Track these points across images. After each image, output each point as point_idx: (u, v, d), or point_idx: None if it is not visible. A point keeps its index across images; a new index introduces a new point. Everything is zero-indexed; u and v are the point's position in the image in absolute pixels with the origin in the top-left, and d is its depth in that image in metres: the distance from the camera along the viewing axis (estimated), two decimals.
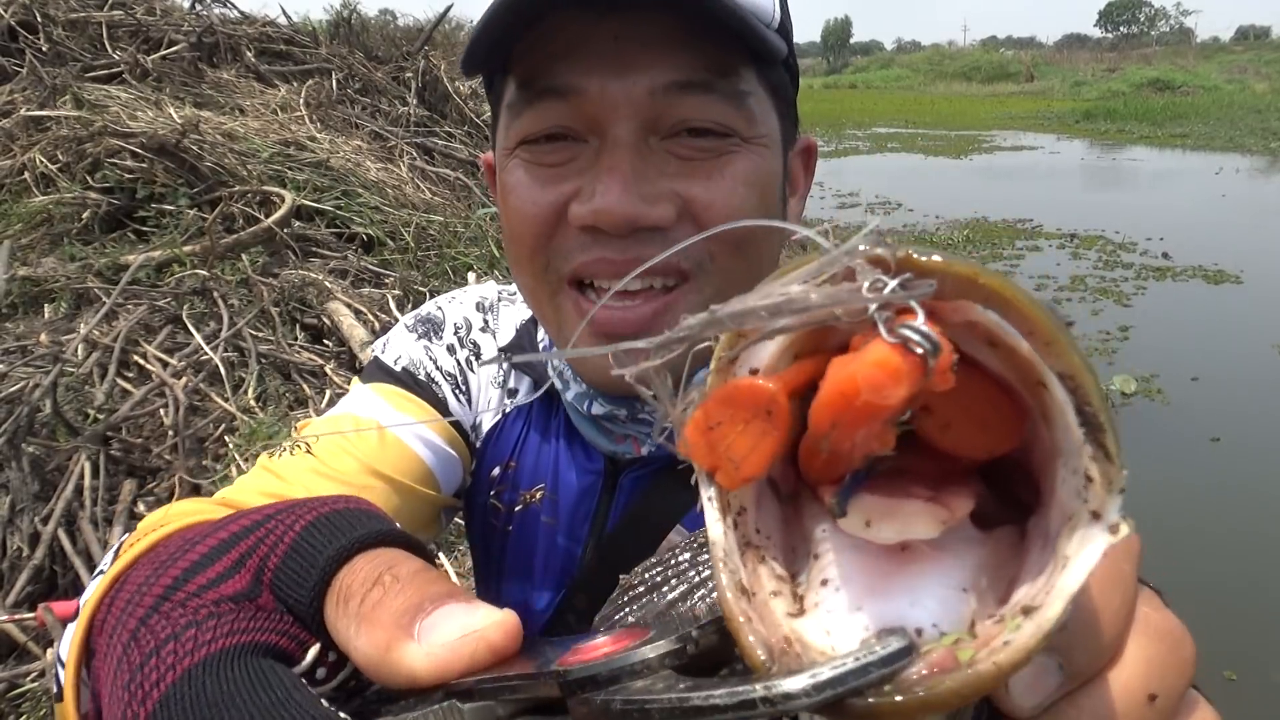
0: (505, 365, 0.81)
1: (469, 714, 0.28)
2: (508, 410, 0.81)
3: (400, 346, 0.82)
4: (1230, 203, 11.64)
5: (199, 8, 5.64)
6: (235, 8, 5.85)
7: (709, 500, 0.25)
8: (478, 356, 0.82)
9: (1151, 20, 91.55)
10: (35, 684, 1.94)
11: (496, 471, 0.81)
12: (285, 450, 0.69)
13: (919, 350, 0.20)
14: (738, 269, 0.62)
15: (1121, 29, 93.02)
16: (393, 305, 3.29)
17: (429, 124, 5.63)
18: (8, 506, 2.15)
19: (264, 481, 0.66)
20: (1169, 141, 19.76)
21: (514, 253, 0.65)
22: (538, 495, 0.78)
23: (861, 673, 0.20)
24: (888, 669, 0.21)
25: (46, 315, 2.98)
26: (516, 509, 0.79)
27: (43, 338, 2.72)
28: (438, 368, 0.81)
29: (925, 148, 18.54)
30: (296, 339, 3.07)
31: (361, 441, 0.70)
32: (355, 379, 0.84)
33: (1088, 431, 0.22)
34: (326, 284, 3.26)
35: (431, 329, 0.84)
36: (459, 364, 0.82)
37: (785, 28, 0.63)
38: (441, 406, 0.78)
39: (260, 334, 2.97)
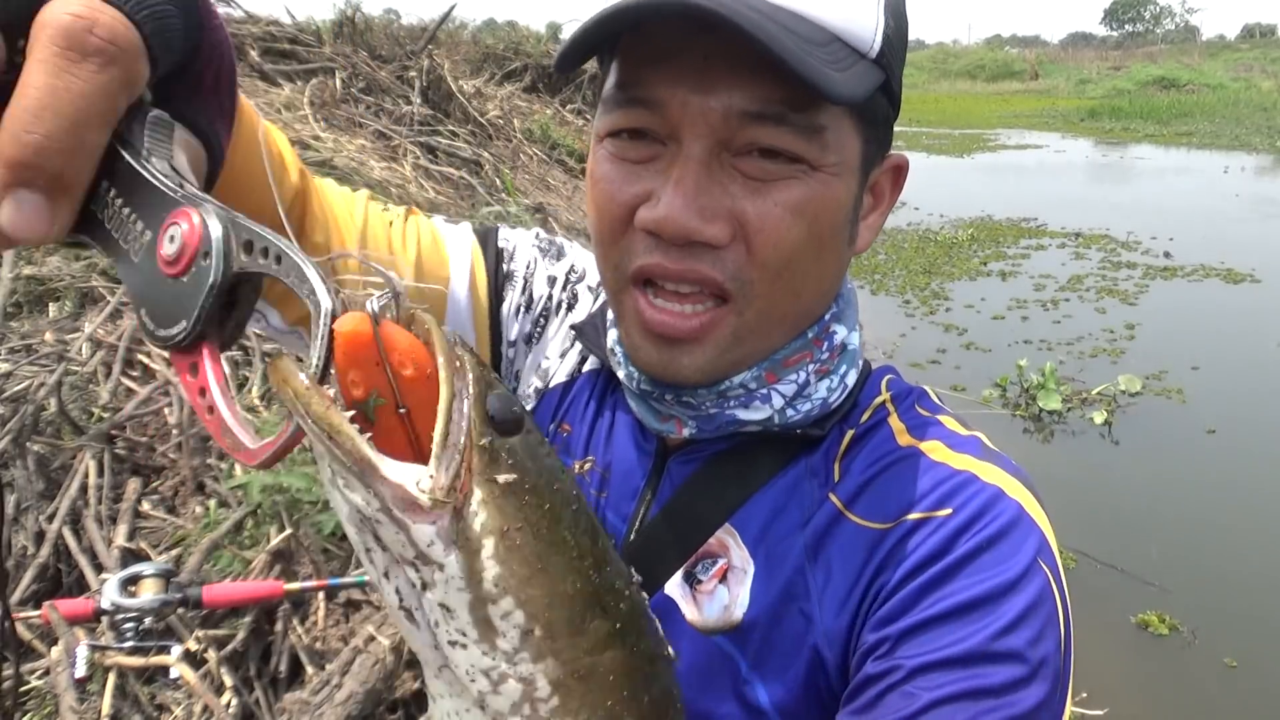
0: (572, 337, 0.84)
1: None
2: (572, 371, 0.84)
3: (518, 238, 0.87)
4: (1239, 201, 11.59)
5: None
6: (239, 7, 5.85)
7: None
8: (570, 308, 0.86)
9: (1157, 18, 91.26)
10: (41, 681, 1.94)
11: (550, 428, 0.82)
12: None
13: (373, 310, 0.35)
14: (778, 295, 0.63)
15: (1126, 27, 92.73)
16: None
17: (433, 123, 5.63)
18: (13, 505, 2.16)
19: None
20: (1174, 140, 19.70)
21: (595, 239, 0.68)
22: (589, 465, 0.79)
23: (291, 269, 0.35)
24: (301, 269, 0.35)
25: (51, 314, 2.99)
26: (575, 468, 0.80)
27: (48, 336, 2.73)
28: (531, 276, 0.85)
29: (929, 146, 18.51)
30: None
31: (422, 238, 0.82)
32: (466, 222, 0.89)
33: (444, 424, 0.35)
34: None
35: (554, 251, 0.88)
36: (549, 297, 0.86)
37: (888, 52, 0.63)
38: (496, 298, 0.84)
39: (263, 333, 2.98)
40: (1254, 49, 46.33)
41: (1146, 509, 4.06)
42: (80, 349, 2.66)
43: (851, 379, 0.71)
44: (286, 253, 0.34)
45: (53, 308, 3.03)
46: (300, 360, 0.34)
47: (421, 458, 0.34)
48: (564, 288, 0.86)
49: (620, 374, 0.73)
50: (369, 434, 0.33)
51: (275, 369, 0.33)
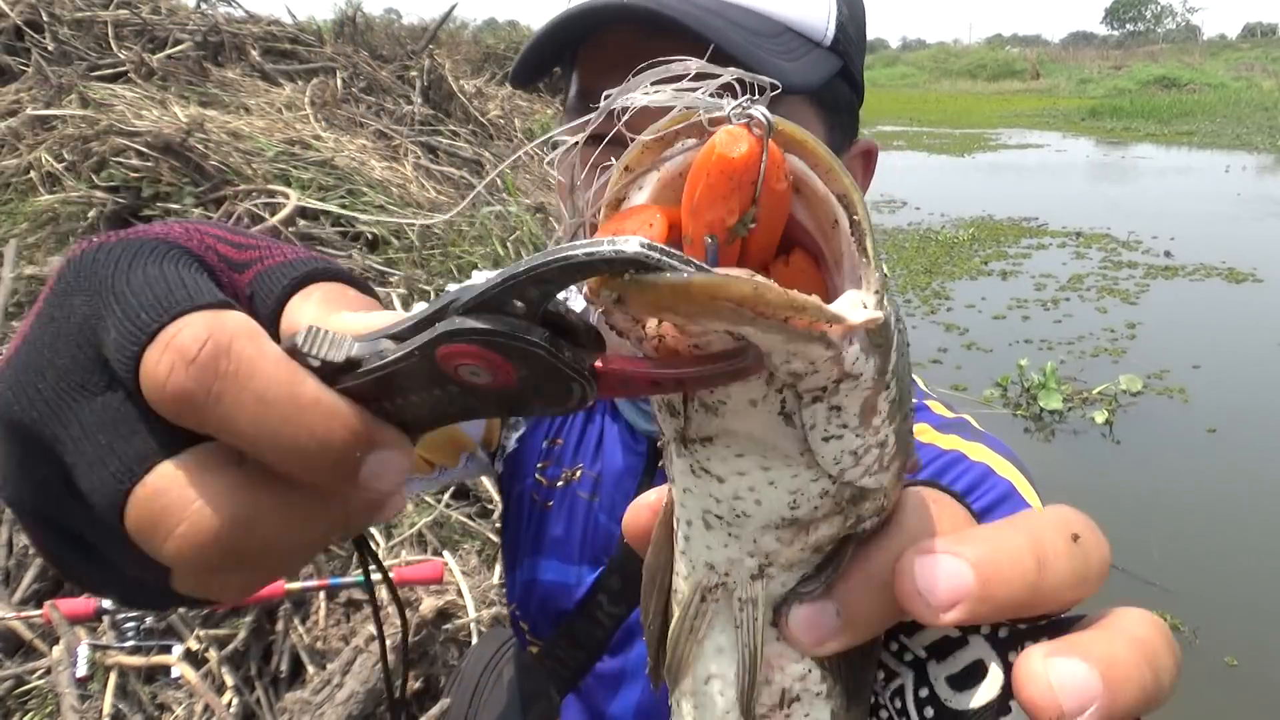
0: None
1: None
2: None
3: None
4: (1241, 201, 11.58)
5: (204, 7, 5.65)
6: (240, 7, 5.86)
7: None
8: None
9: (1158, 17, 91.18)
10: (42, 681, 1.94)
11: (544, 445, 0.82)
12: None
13: (757, 130, 0.28)
14: None
15: (1128, 26, 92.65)
16: (397, 304, 3.29)
17: (434, 123, 5.63)
18: None
19: None
20: (1175, 139, 19.69)
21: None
22: (578, 473, 0.80)
23: (678, 257, 0.26)
24: (699, 263, 0.26)
25: None
26: (559, 484, 0.81)
27: None
28: None
29: (930, 146, 18.49)
30: None
31: None
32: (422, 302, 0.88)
33: (856, 238, 0.29)
34: None
35: None
36: None
37: (843, 39, 0.63)
38: None
39: None
40: (1255, 48, 46.28)
41: (1148, 508, 4.05)
42: None
43: None
44: (530, 266, 0.28)
45: None
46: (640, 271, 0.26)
47: (765, 271, 0.30)
48: None
49: None
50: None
51: (660, 289, 0.25)
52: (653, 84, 0.30)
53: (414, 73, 5.91)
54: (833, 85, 0.64)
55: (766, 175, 0.28)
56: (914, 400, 0.71)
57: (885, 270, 0.30)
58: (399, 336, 0.30)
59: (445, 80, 5.94)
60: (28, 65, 4.37)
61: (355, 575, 2.05)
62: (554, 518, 0.81)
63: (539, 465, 0.83)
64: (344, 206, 3.92)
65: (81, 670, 1.78)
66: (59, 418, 0.30)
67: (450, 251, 3.98)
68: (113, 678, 1.91)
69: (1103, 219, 10.36)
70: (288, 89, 5.09)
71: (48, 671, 1.92)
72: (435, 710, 1.80)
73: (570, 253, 0.26)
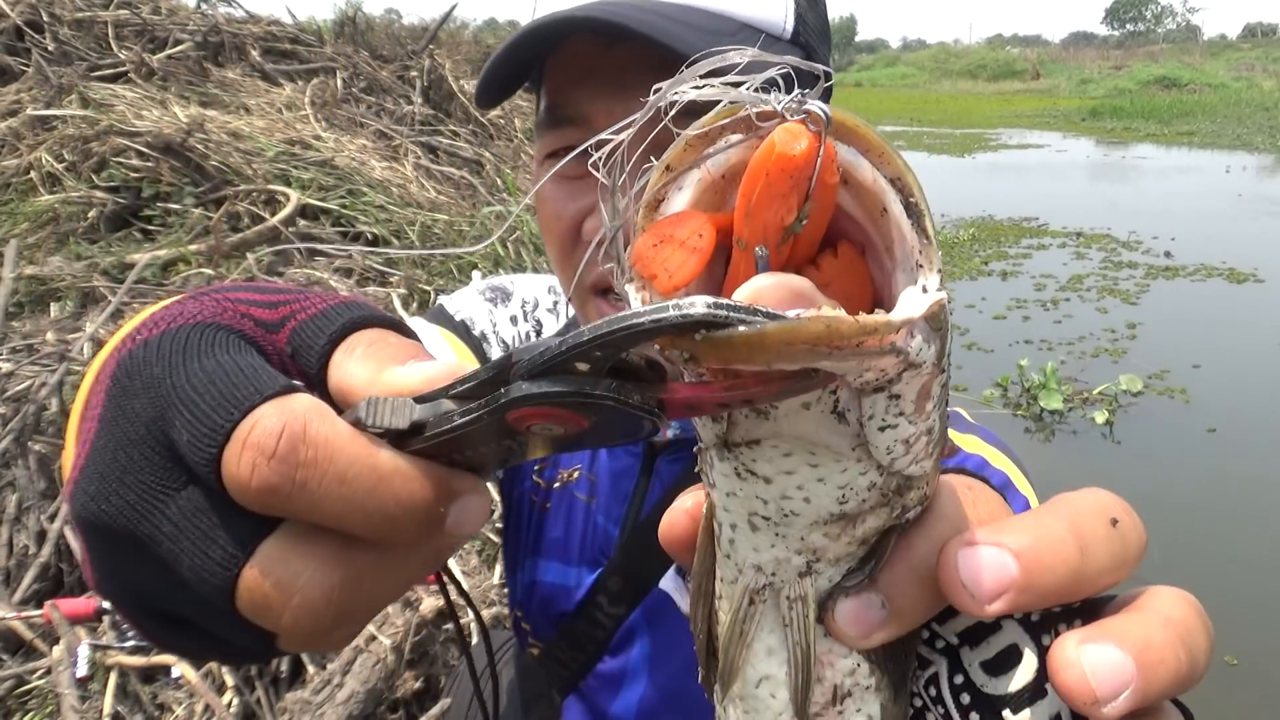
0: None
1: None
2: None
3: (466, 301, 0.89)
4: (1242, 201, 11.59)
5: (204, 7, 5.66)
6: (241, 7, 5.86)
7: (636, 293, 0.30)
8: (538, 334, 0.88)
9: (1158, 18, 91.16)
10: (42, 681, 1.94)
11: None
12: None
13: (813, 125, 0.27)
14: None
15: (1128, 26, 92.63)
16: (397, 304, 3.29)
17: (434, 123, 5.63)
18: (14, 504, 2.16)
19: None
20: (1176, 139, 19.69)
21: (551, 255, 0.70)
22: (575, 474, 0.80)
23: (745, 310, 0.25)
24: (767, 310, 0.25)
25: (53, 314, 2.99)
26: (555, 486, 0.81)
27: (49, 336, 2.73)
28: (494, 330, 0.87)
29: (931, 146, 18.49)
30: None
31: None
32: (419, 316, 0.90)
33: (914, 220, 0.29)
34: (331, 283, 3.26)
35: (500, 295, 0.90)
36: (518, 336, 0.87)
37: (803, 31, 0.64)
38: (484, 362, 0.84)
39: None
40: (1255, 48, 46.27)
41: (1148, 509, 4.02)
42: (82, 349, 2.66)
43: None
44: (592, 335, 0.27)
45: (54, 307, 3.04)
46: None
47: (814, 267, 0.30)
48: (525, 320, 0.89)
49: None
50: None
51: (735, 345, 0.25)
52: (701, 77, 0.29)
53: (414, 73, 5.92)
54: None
55: (820, 170, 0.28)
56: None
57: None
58: (462, 396, 0.31)
59: (445, 80, 5.94)
60: (28, 65, 4.37)
61: None
62: (552, 519, 0.81)
63: (536, 468, 0.83)
64: (344, 207, 3.92)
65: (82, 670, 1.78)
66: (149, 519, 0.31)
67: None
68: (113, 678, 1.91)
69: (1103, 219, 10.35)
70: (288, 89, 5.09)
71: (48, 671, 1.92)
72: (435, 710, 1.80)
73: (636, 320, 0.26)
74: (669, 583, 0.71)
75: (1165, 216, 10.45)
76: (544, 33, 0.59)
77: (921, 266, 0.29)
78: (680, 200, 0.30)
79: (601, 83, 0.61)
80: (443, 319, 0.87)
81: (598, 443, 0.32)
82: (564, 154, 0.64)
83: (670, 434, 0.71)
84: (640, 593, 0.72)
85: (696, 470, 0.34)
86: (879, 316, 0.26)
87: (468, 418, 0.30)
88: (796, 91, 0.28)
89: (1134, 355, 5.98)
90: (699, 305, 0.25)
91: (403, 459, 0.31)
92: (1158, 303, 7.22)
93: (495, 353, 0.86)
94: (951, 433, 0.68)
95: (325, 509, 0.29)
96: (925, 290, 0.28)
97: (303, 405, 0.30)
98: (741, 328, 0.25)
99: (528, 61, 0.63)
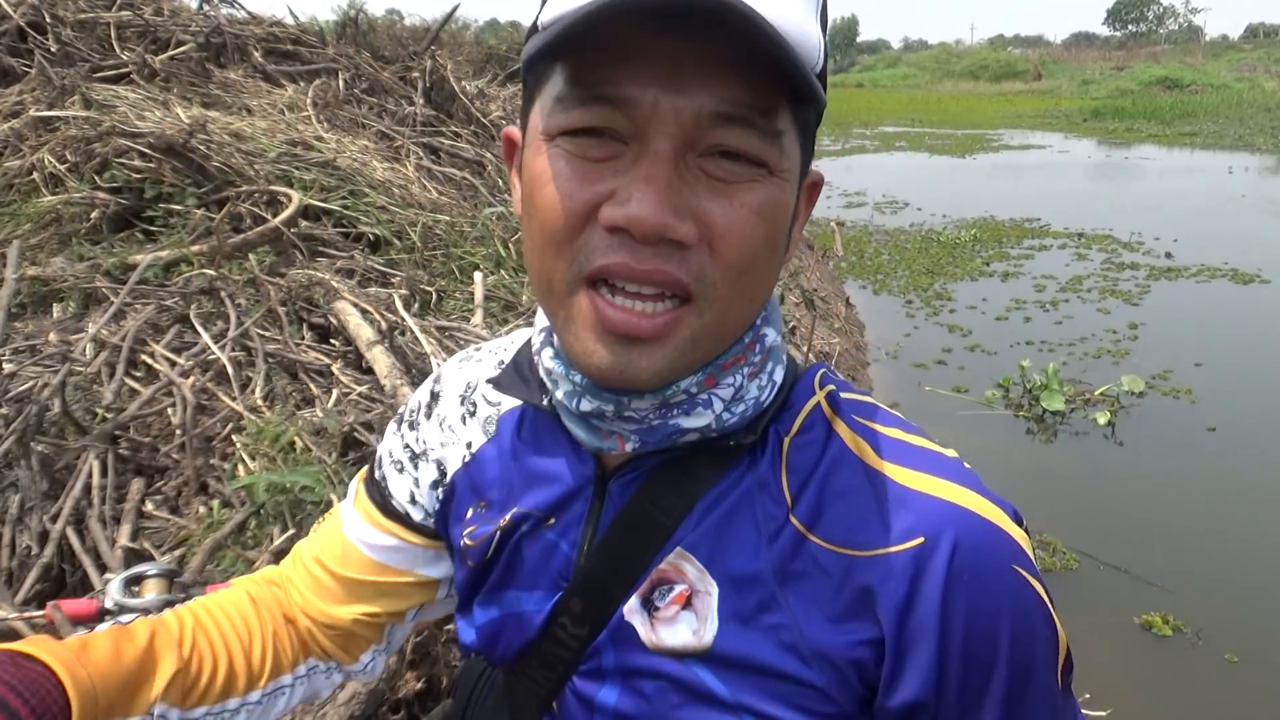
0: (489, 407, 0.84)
1: None
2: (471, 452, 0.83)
3: (384, 457, 0.90)
4: (1245, 202, 11.56)
5: (206, 8, 5.66)
6: (243, 8, 5.86)
7: None
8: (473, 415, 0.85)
9: (1160, 18, 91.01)
10: None
11: (470, 514, 0.80)
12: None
13: None
14: (736, 298, 0.62)
15: (1130, 27, 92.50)
16: (399, 304, 3.29)
17: (435, 124, 5.63)
18: (17, 505, 2.16)
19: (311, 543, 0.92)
20: (1178, 140, 19.67)
21: (540, 241, 0.63)
22: (517, 510, 0.77)
23: None
24: None
25: (55, 315, 3.00)
26: (501, 525, 0.77)
27: (51, 337, 2.73)
28: (424, 456, 0.87)
29: (932, 146, 18.48)
30: (303, 338, 3.07)
31: (343, 556, 0.88)
32: (358, 483, 0.92)
33: None
34: (333, 283, 3.27)
35: (423, 409, 0.89)
36: (441, 442, 0.86)
37: (824, 74, 0.64)
38: (416, 531, 0.87)
39: (267, 333, 2.98)
40: (1258, 49, 46.20)
41: (1150, 509, 4.05)
42: (84, 349, 2.66)
43: (779, 375, 0.71)
44: None
45: (56, 308, 3.04)
46: None
47: None
48: (462, 404, 0.86)
49: (559, 394, 0.70)
50: None
51: None
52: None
53: (416, 74, 5.92)
54: (811, 110, 0.65)
55: None
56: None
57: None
58: None
59: (447, 81, 5.95)
60: (31, 67, 4.38)
61: None
62: (504, 558, 0.78)
63: (466, 531, 0.80)
64: (346, 207, 3.92)
65: None
66: None
67: (452, 253, 3.98)
68: None
69: (1105, 220, 10.35)
70: (290, 90, 5.09)
71: None
72: (437, 711, 1.81)
73: None
74: (634, 615, 0.69)
75: (1167, 217, 10.44)
76: (601, 22, 0.54)
77: None
78: None
79: (650, 68, 0.57)
80: (372, 490, 0.89)
81: None
82: (587, 134, 0.60)
83: (629, 448, 0.68)
84: (603, 614, 0.71)
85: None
86: None
87: None
88: None
89: (1136, 356, 5.97)
90: None
91: None
92: (1160, 303, 7.21)
93: (428, 477, 0.86)
94: (927, 478, 0.66)
95: None
96: None
97: None
98: None
99: (563, 46, 0.57)
